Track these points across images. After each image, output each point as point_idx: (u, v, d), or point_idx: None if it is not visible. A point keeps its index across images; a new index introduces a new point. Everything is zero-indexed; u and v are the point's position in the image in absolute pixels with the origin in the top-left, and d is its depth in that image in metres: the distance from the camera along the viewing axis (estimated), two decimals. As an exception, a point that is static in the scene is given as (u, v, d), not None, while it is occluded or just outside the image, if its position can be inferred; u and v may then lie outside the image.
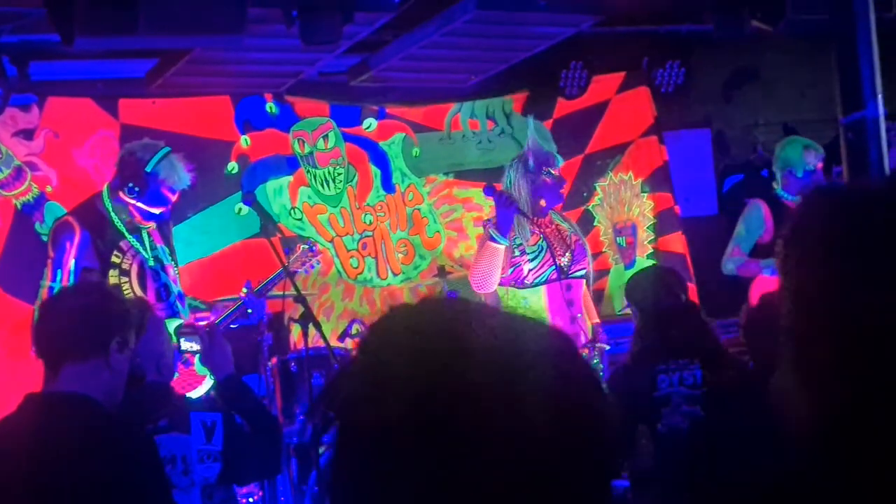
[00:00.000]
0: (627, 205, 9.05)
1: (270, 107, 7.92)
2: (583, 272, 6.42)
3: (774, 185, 7.34)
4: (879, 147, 5.79)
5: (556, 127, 8.69)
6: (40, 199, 7.20)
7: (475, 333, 1.18)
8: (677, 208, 9.09)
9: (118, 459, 3.36)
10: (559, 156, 6.61)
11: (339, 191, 8.17)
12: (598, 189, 9.00)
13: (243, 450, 4.04)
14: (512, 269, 6.28)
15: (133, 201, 5.89)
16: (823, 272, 1.55)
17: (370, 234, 8.17)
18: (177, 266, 6.21)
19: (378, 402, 1.14)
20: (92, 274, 5.82)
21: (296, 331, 6.78)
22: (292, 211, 7.99)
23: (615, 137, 9.02)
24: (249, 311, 5.88)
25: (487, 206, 8.15)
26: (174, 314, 6.01)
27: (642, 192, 9.08)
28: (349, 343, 6.76)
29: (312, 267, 6.67)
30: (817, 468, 1.50)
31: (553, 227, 6.43)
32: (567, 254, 6.37)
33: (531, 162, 6.32)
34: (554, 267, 6.25)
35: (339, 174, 8.16)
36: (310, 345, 5.96)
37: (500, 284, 6.33)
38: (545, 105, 8.67)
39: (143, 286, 5.96)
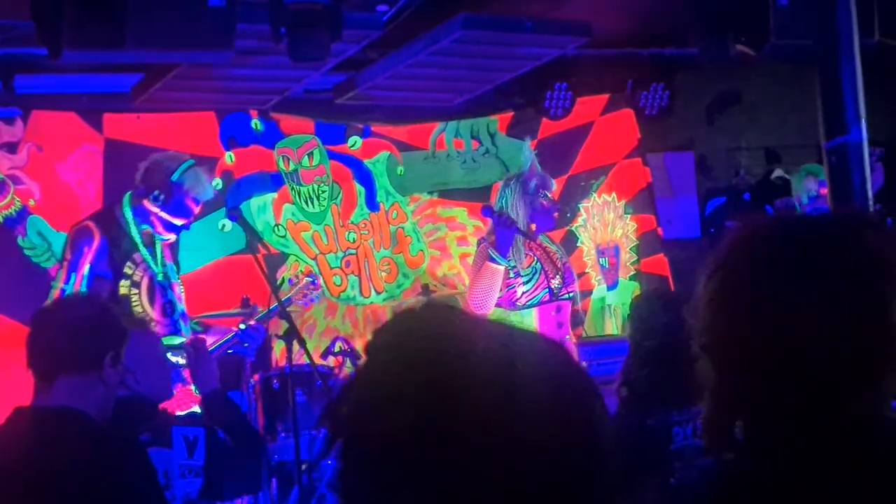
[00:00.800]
0: (611, 226, 9.08)
1: (255, 123, 7.91)
2: (570, 294, 6.45)
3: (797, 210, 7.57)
4: (863, 171, 5.80)
5: (541, 148, 8.69)
6: (23, 213, 7.17)
7: (477, 339, 1.18)
8: (660, 230, 9.12)
9: (112, 474, 3.35)
10: (553, 181, 6.70)
11: (323, 208, 8.17)
12: (582, 210, 9.02)
13: (225, 465, 4.03)
14: (506, 289, 6.29)
15: (157, 210, 5.87)
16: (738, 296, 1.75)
17: (354, 252, 8.17)
18: (181, 285, 6.20)
19: (383, 412, 1.14)
20: (104, 283, 5.80)
21: (278, 347, 6.78)
22: (276, 228, 7.98)
23: (599, 159, 9.05)
24: (245, 344, 5.86)
25: (471, 226, 8.20)
26: (177, 332, 6.00)
27: (625, 213, 9.11)
28: (332, 360, 6.76)
29: (313, 300, 6.66)
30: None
31: (542, 249, 6.46)
32: (558, 276, 6.42)
33: (533, 183, 6.36)
34: (547, 290, 6.28)
35: (324, 192, 8.16)
36: (293, 362, 5.93)
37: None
38: (530, 126, 8.70)
39: (152, 300, 5.95)
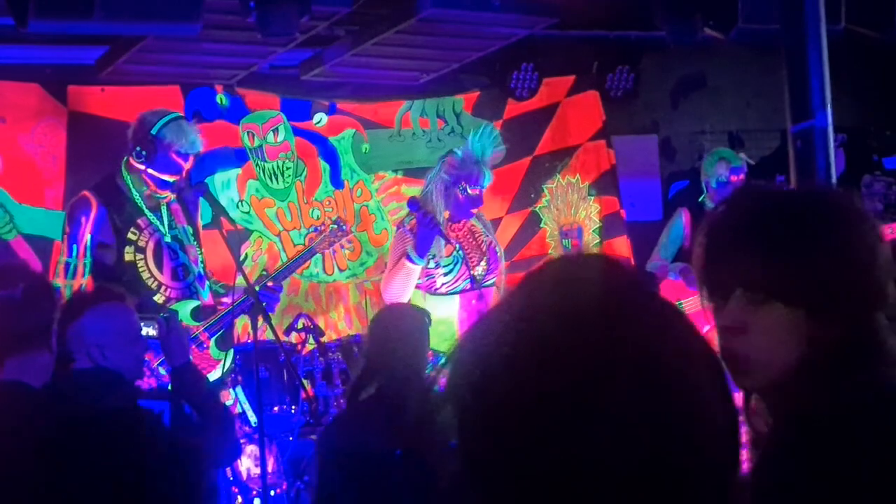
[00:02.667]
0: (574, 207, 9.10)
1: (221, 98, 7.87)
2: (493, 281, 6.39)
3: (703, 194, 7.52)
4: (827, 156, 5.84)
5: (506, 128, 8.71)
6: (-16, 185, 7.11)
7: (648, 310, 1.17)
8: (623, 212, 9.15)
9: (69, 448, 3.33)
10: (489, 173, 6.39)
11: (287, 185, 8.14)
12: (546, 191, 9.04)
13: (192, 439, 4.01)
14: (425, 278, 6.24)
15: (142, 167, 5.69)
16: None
17: (318, 229, 8.14)
18: (200, 248, 6.02)
19: (531, 370, 1.11)
20: (107, 250, 5.70)
21: (240, 323, 6.76)
22: (240, 204, 7.95)
23: (564, 140, 9.06)
24: (264, 304, 5.76)
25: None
26: (192, 295, 5.87)
27: (589, 195, 9.13)
28: (294, 337, 6.75)
29: (342, 248, 6.60)
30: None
31: (466, 230, 6.40)
32: (482, 262, 6.37)
33: (454, 175, 6.27)
34: (469, 280, 6.24)
35: (288, 168, 8.13)
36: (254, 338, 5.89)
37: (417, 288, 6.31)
38: (495, 106, 8.71)
39: (160, 265, 5.79)
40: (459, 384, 1.15)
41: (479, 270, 6.30)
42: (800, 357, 1.81)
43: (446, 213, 6.26)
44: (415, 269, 6.12)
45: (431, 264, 6.21)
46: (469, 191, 6.24)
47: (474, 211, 6.36)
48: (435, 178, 6.32)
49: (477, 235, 6.40)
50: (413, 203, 6.29)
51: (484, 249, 6.38)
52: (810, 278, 1.80)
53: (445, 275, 6.26)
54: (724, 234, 1.91)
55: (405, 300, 6.08)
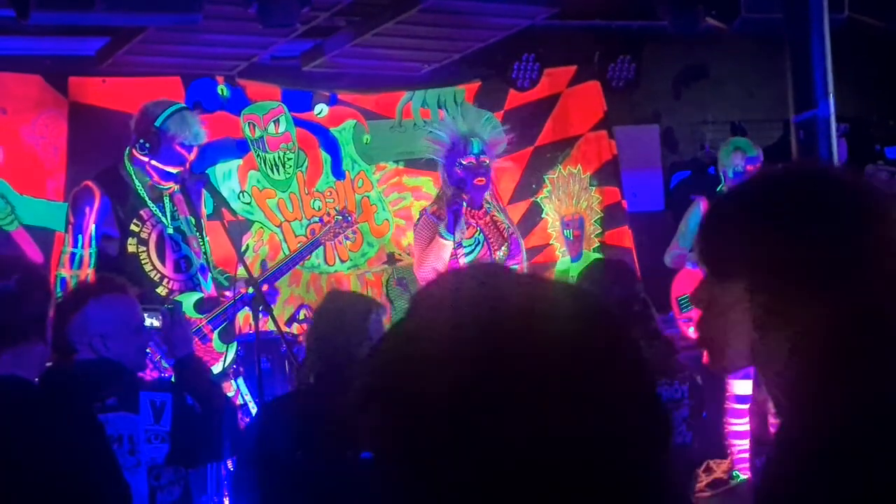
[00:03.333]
0: (576, 198, 9.09)
1: (222, 89, 7.86)
2: (515, 267, 6.41)
3: (722, 184, 7.52)
4: (830, 146, 5.85)
5: (507, 118, 8.69)
6: (-14, 176, 7.11)
7: (533, 297, 1.18)
8: (625, 203, 9.14)
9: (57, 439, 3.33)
10: (477, 141, 6.32)
11: (288, 176, 8.13)
12: (547, 181, 9.03)
13: (193, 431, 4.01)
14: (449, 259, 6.27)
15: (146, 159, 5.67)
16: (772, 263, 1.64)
17: (319, 220, 8.14)
18: (202, 238, 5.98)
19: (434, 370, 1.12)
20: (111, 242, 5.67)
21: (242, 315, 6.75)
22: (241, 195, 7.94)
23: (565, 131, 9.05)
24: (269, 287, 5.73)
25: (437, 195, 8.17)
26: (194, 287, 5.84)
27: (591, 185, 9.12)
28: (296, 328, 6.74)
29: (347, 238, 6.60)
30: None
31: (488, 219, 6.42)
32: (503, 247, 6.39)
33: (442, 158, 6.34)
34: (490, 261, 6.27)
35: (290, 159, 8.12)
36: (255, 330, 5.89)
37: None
38: (497, 96, 8.69)
39: (162, 257, 5.77)
40: (381, 382, 1.18)
41: (499, 255, 6.35)
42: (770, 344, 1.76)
43: (465, 196, 6.28)
44: (447, 245, 6.14)
45: (454, 245, 6.25)
46: (463, 162, 6.25)
47: (479, 182, 6.28)
48: (440, 170, 6.39)
49: (499, 224, 6.45)
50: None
51: (506, 236, 6.42)
52: (760, 256, 1.75)
53: (467, 255, 6.31)
54: (707, 215, 1.90)
55: None
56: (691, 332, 7.35)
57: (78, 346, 3.95)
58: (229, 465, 5.79)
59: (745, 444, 7.14)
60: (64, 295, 4.39)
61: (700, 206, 7.51)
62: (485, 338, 1.13)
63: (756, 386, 6.77)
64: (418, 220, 6.50)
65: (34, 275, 3.64)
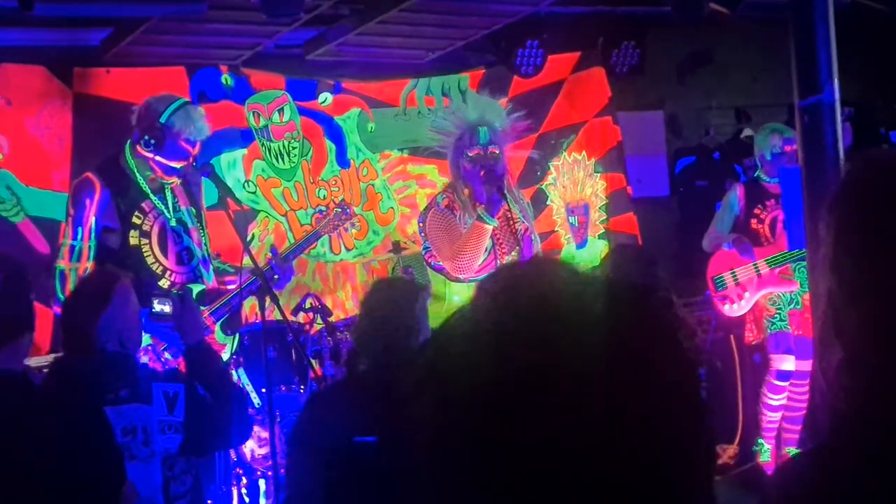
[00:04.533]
0: (580, 184, 9.09)
1: (226, 79, 7.85)
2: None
3: (757, 170, 7.60)
4: (835, 131, 5.83)
5: (512, 105, 8.65)
6: (-9, 168, 7.11)
7: (590, 298, 1.18)
8: (629, 189, 9.14)
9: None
10: (484, 129, 6.12)
11: (293, 165, 8.13)
12: (552, 168, 9.03)
13: (205, 421, 4.03)
14: None
15: (151, 155, 5.66)
16: (856, 238, 1.58)
17: (324, 208, 8.13)
18: (203, 230, 5.97)
19: (486, 363, 1.12)
20: (112, 234, 5.67)
21: (248, 304, 6.76)
22: (246, 184, 7.94)
23: (570, 117, 9.05)
24: (276, 276, 5.72)
25: (441, 183, 8.15)
26: (196, 279, 5.82)
27: (595, 171, 9.12)
28: (302, 317, 6.74)
29: (346, 230, 6.56)
30: (857, 442, 1.49)
31: (501, 214, 6.11)
32: (514, 251, 6.19)
33: (450, 150, 6.16)
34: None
35: (294, 148, 8.12)
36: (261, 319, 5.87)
37: (435, 270, 6.23)
38: (501, 83, 8.67)
39: (164, 249, 5.74)
40: (431, 372, 1.18)
41: (508, 260, 6.11)
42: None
43: (466, 192, 6.11)
44: (488, 230, 5.97)
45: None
46: (469, 154, 6.04)
47: (482, 174, 6.01)
48: (449, 162, 6.26)
49: (512, 222, 6.14)
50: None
51: (518, 237, 6.15)
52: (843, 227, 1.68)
53: None
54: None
55: (477, 265, 5.99)
56: (726, 309, 7.43)
57: (104, 341, 3.97)
58: (232, 454, 5.82)
59: (776, 416, 7.26)
60: (81, 290, 4.38)
61: (737, 192, 7.57)
62: (535, 334, 1.13)
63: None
64: (425, 214, 6.28)
65: (19, 270, 3.66)
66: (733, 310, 7.41)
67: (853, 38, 6.91)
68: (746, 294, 7.34)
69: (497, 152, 6.09)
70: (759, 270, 7.29)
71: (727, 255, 7.41)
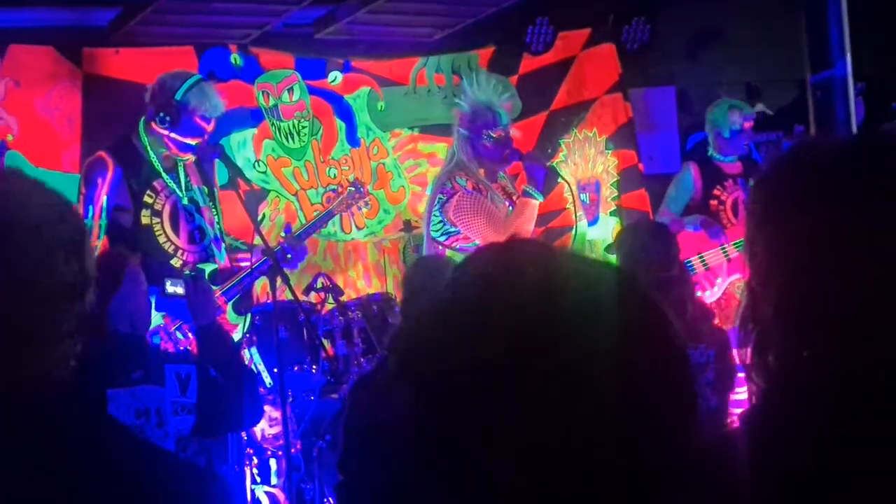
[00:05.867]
0: (591, 162, 9.06)
1: (235, 58, 7.83)
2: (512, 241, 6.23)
3: (708, 148, 7.43)
4: (847, 106, 5.82)
5: (522, 83, 8.67)
6: (1, 149, 7.09)
7: (575, 277, 1.17)
8: (641, 166, 9.10)
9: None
10: (503, 112, 6.15)
11: (303, 144, 8.12)
12: (563, 146, 9.00)
13: (217, 402, 4.02)
14: (465, 243, 6.13)
15: (166, 132, 5.65)
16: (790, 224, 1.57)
17: (334, 187, 8.12)
18: (216, 208, 5.97)
19: (471, 344, 1.12)
20: (124, 213, 5.66)
21: (259, 284, 6.75)
22: (256, 164, 7.93)
23: (580, 94, 9.01)
24: (289, 256, 5.70)
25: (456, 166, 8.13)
26: (208, 258, 5.82)
27: (606, 149, 9.08)
28: (313, 296, 6.74)
29: (360, 209, 6.54)
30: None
31: (505, 192, 6.21)
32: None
33: (467, 130, 6.12)
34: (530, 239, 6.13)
35: (304, 127, 8.11)
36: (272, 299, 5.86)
37: (460, 251, 6.22)
38: (511, 61, 8.66)
39: (176, 228, 5.74)
40: (411, 355, 1.18)
41: None
42: None
43: (482, 171, 6.10)
44: (535, 205, 6.04)
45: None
46: (493, 135, 6.05)
47: (506, 153, 6.11)
48: (458, 141, 6.19)
49: (512, 197, 6.23)
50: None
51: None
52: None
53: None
54: None
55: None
56: (699, 295, 7.34)
57: (117, 323, 3.98)
58: (244, 434, 5.82)
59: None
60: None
61: (691, 171, 7.43)
62: (515, 315, 1.13)
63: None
64: (446, 201, 6.09)
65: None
66: (705, 297, 7.18)
67: (865, 12, 6.87)
68: (718, 280, 7.14)
69: (512, 133, 6.18)
70: (727, 254, 7.10)
71: (693, 238, 7.15)
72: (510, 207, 6.13)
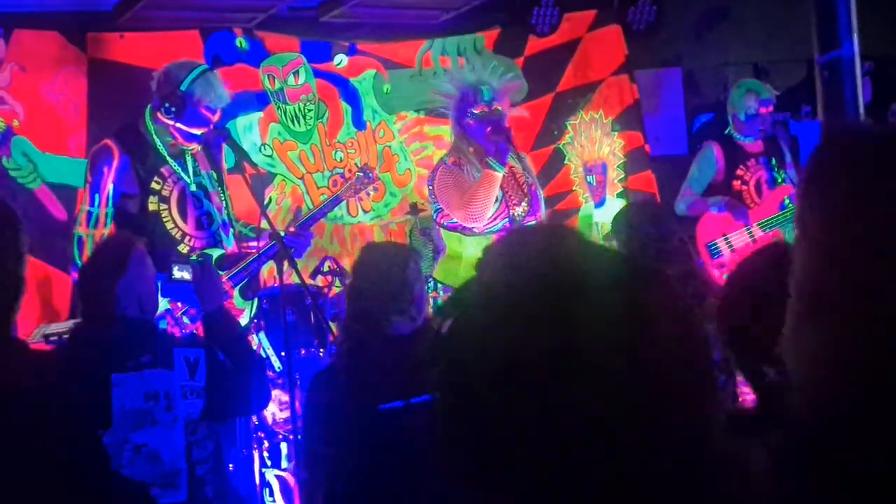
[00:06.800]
0: (598, 143, 9.04)
1: (240, 42, 7.81)
2: (534, 223, 6.24)
3: (729, 127, 7.45)
4: (854, 86, 5.79)
5: (528, 65, 8.65)
6: (7, 134, 7.08)
7: (601, 264, 1.17)
8: (647, 147, 9.09)
9: None
10: (487, 89, 6.16)
11: (309, 127, 8.10)
12: (569, 127, 8.98)
13: (225, 386, 4.03)
14: None
15: (171, 122, 5.66)
16: (843, 211, 1.52)
17: (341, 171, 8.11)
18: (224, 193, 5.97)
19: (504, 333, 1.12)
20: (131, 200, 5.67)
21: (266, 268, 6.76)
22: (262, 147, 7.92)
23: (586, 76, 8.98)
24: (292, 249, 5.71)
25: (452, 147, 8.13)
26: (216, 243, 5.84)
27: (613, 130, 9.06)
28: (320, 280, 6.74)
29: (368, 194, 6.54)
30: (837, 418, 1.47)
31: (507, 170, 6.19)
32: (523, 203, 6.24)
33: (454, 110, 6.20)
34: (507, 219, 6.14)
35: (310, 110, 8.09)
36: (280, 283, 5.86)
37: (448, 229, 6.26)
38: (516, 43, 8.63)
39: (184, 214, 5.76)
40: (447, 344, 1.18)
41: (519, 210, 6.19)
42: None
43: (471, 150, 6.16)
44: (497, 177, 6.00)
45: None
46: (475, 111, 6.10)
47: (488, 130, 6.05)
48: (451, 122, 6.28)
49: (518, 176, 6.27)
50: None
51: (525, 191, 6.25)
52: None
53: None
54: None
55: (488, 213, 6.03)
56: (726, 278, 7.32)
57: (126, 307, 3.98)
58: (253, 418, 5.83)
59: None
60: (97, 256, 4.38)
61: (713, 150, 7.45)
62: (542, 302, 1.13)
63: None
64: (433, 175, 6.32)
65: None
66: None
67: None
68: None
69: (500, 108, 6.18)
70: (753, 235, 7.11)
71: (717, 219, 7.22)
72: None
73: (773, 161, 7.31)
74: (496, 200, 6.11)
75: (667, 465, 1.12)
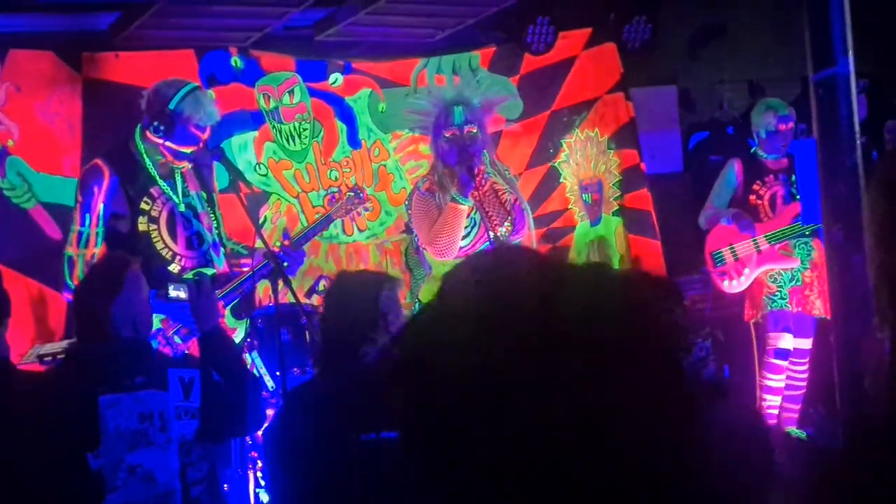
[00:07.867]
0: (594, 161, 9.04)
1: (235, 61, 7.81)
2: (519, 242, 6.13)
3: (755, 147, 7.61)
4: (850, 104, 5.78)
5: (523, 83, 8.65)
6: (1, 154, 7.07)
7: (564, 282, 1.16)
8: (643, 165, 9.08)
9: None
10: (459, 109, 6.05)
11: (304, 146, 8.10)
12: (565, 146, 8.97)
13: (220, 407, 4.01)
14: None
15: (161, 140, 5.66)
16: None
17: (336, 189, 8.10)
18: (214, 213, 5.97)
19: (465, 352, 1.11)
20: (121, 220, 5.66)
21: (261, 287, 6.74)
22: (257, 167, 7.91)
23: (582, 94, 8.98)
24: (286, 264, 5.69)
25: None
26: (206, 263, 5.83)
27: (608, 148, 9.06)
28: (315, 299, 6.72)
29: (359, 214, 6.54)
30: None
31: (488, 188, 6.13)
32: (506, 222, 6.13)
33: (428, 130, 6.16)
34: (488, 242, 6.02)
35: (305, 129, 8.09)
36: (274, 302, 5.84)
37: (420, 247, 6.21)
38: (512, 61, 8.64)
39: (174, 234, 5.76)
40: (406, 364, 1.19)
41: (502, 231, 6.06)
42: None
43: (445, 172, 6.03)
44: (463, 210, 5.90)
45: None
46: (446, 135, 6.00)
47: (460, 156, 5.93)
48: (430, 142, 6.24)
49: (500, 194, 6.17)
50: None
51: (508, 208, 6.14)
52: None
53: (463, 238, 6.04)
54: None
55: (455, 251, 5.96)
56: (725, 286, 7.39)
57: (121, 327, 3.97)
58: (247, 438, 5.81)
59: (776, 400, 7.21)
60: (92, 276, 4.38)
61: (735, 167, 7.55)
62: (505, 319, 1.13)
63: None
64: (409, 199, 6.28)
65: None
66: (732, 286, 7.37)
67: (868, 8, 6.84)
68: (746, 270, 7.30)
69: (475, 131, 6.03)
70: (758, 246, 7.27)
71: (726, 231, 7.40)
72: (474, 211, 6.03)
73: (793, 178, 7.44)
74: (474, 224, 6.04)
75: (648, 476, 1.11)
